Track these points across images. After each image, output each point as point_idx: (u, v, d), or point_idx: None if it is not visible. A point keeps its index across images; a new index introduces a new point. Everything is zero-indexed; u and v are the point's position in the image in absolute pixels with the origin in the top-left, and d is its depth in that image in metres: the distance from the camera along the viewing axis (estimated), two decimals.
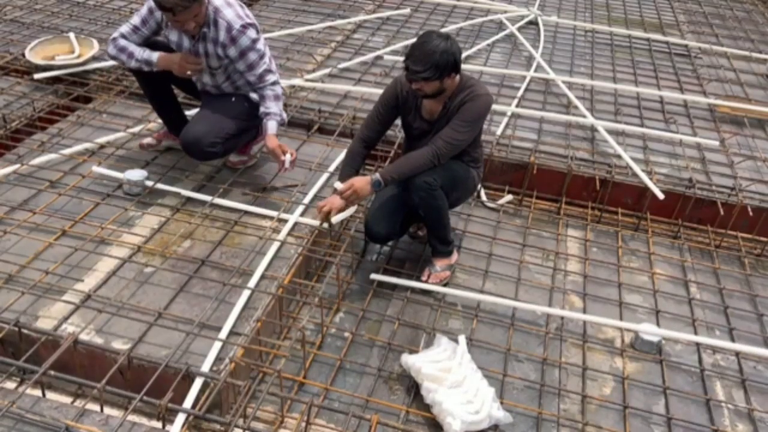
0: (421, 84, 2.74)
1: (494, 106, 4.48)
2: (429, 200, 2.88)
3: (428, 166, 2.81)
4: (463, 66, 5.01)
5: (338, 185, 2.91)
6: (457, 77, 2.82)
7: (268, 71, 3.18)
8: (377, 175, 2.82)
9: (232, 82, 3.29)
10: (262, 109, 3.19)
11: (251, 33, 3.08)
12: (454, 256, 3.18)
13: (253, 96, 3.31)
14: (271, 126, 3.16)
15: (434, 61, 2.66)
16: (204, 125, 3.19)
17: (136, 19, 3.16)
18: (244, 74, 3.17)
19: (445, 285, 3.10)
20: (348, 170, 3.03)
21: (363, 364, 2.67)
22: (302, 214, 3.19)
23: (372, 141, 3.08)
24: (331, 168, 3.58)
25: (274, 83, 3.20)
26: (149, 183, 3.26)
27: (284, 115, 3.23)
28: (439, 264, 3.12)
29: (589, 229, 3.68)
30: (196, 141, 3.17)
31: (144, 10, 3.15)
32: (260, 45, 3.13)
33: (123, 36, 3.17)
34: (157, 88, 3.40)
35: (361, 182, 2.84)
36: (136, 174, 3.26)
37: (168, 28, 3.18)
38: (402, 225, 3.19)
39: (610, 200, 3.85)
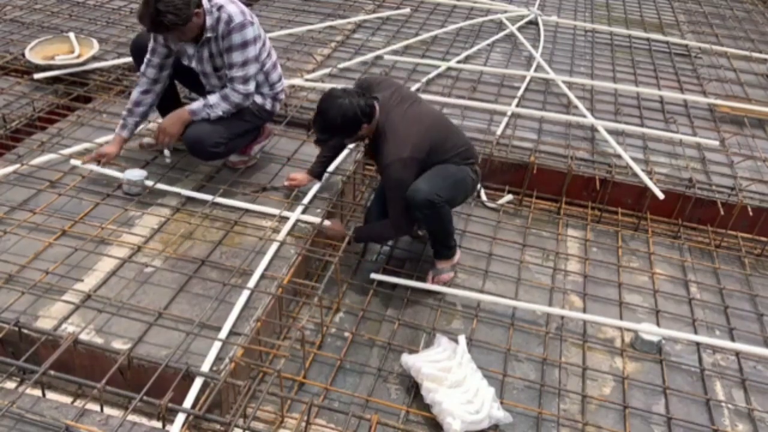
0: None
1: (494, 106, 4.50)
2: (433, 216, 2.88)
3: (393, 236, 3.23)
4: (464, 66, 5.10)
5: (326, 222, 3.14)
6: (374, 122, 2.84)
7: (244, 79, 3.12)
8: (353, 230, 3.05)
9: None
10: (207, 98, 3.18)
11: (248, 33, 3.05)
12: (456, 256, 3.18)
13: (257, 98, 3.31)
14: (194, 104, 3.17)
15: (336, 126, 2.80)
16: (208, 126, 3.18)
17: (149, 52, 3.23)
18: (223, 69, 3.15)
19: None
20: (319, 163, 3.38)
21: (363, 364, 2.67)
22: (302, 214, 3.19)
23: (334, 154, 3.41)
24: (331, 168, 3.57)
25: (240, 93, 3.14)
26: (149, 183, 3.26)
27: (214, 113, 3.16)
28: (442, 265, 3.11)
29: (589, 229, 3.68)
30: (200, 141, 3.18)
31: (150, 40, 3.22)
32: (250, 50, 3.08)
33: (143, 74, 3.26)
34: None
35: (336, 228, 3.11)
36: (136, 174, 3.25)
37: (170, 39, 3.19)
38: None
39: (610, 200, 3.85)
